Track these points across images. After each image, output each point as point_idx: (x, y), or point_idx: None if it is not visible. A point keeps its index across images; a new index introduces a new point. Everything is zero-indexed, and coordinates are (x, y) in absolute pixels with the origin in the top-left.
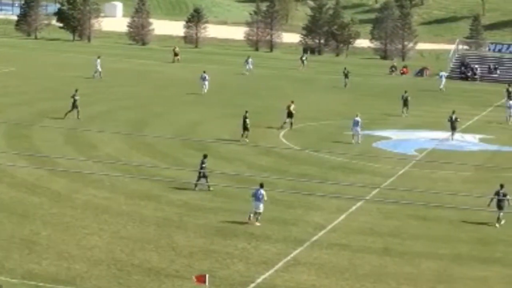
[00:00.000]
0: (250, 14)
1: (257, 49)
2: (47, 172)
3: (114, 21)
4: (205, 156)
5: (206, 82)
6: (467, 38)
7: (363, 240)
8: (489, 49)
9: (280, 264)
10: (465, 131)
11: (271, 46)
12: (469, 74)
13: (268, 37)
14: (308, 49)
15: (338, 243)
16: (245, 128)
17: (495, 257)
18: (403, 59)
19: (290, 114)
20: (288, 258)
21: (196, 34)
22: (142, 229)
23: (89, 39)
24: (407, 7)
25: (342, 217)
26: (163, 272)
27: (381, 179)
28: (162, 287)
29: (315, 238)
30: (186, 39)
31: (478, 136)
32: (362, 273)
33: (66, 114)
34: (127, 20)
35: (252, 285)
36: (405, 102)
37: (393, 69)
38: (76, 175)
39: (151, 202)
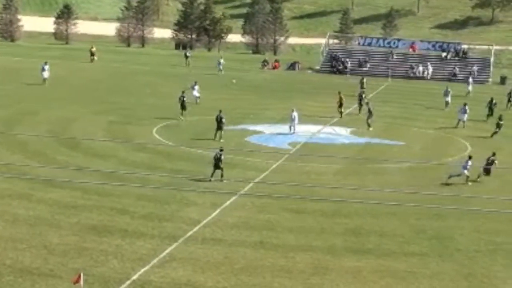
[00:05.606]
0: (121, 10)
1: (128, 45)
2: None
3: None
4: (221, 149)
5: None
6: (337, 32)
7: (238, 234)
8: (359, 43)
9: (155, 260)
10: (336, 124)
11: (143, 41)
12: (339, 67)
13: (139, 33)
14: (180, 44)
15: (213, 237)
16: (219, 127)
17: (368, 248)
18: (275, 53)
19: (340, 104)
20: (163, 254)
21: (66, 30)
22: (13, 228)
23: None
24: (278, 2)
25: (217, 212)
26: (36, 272)
27: (255, 173)
28: (35, 287)
29: (190, 233)
30: (56, 35)
31: (349, 129)
32: (237, 267)
33: (180, 116)
34: None
35: (127, 282)
36: (360, 100)
37: (265, 63)
38: None
39: (22, 201)
